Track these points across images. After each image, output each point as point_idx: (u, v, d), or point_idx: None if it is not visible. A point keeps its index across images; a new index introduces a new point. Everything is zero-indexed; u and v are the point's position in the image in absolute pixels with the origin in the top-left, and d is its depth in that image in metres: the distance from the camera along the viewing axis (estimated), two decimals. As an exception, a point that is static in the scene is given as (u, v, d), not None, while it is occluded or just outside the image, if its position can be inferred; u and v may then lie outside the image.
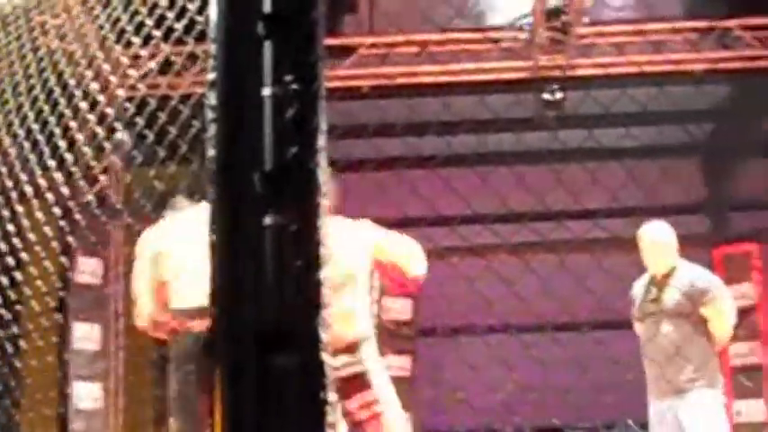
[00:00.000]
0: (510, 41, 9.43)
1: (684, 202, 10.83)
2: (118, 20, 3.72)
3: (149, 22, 3.44)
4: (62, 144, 4.66)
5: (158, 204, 4.66)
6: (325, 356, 1.43)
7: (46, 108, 4.62)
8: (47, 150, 4.70)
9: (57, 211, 5.05)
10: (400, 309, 8.70)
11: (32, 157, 4.77)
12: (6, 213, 5.01)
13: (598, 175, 8.14)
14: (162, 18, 3.34)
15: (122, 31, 3.71)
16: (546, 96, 9.37)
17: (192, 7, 3.10)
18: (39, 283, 5.42)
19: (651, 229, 6.54)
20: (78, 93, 4.43)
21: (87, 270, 8.67)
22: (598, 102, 8.82)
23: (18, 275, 5.29)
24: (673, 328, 6.25)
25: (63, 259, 6.70)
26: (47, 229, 5.09)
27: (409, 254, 4.68)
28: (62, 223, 5.28)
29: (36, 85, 4.70)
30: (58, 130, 4.61)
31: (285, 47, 1.46)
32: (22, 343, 6.01)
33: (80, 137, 4.63)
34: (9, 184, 4.94)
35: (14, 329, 5.83)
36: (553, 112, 9.44)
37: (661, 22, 9.50)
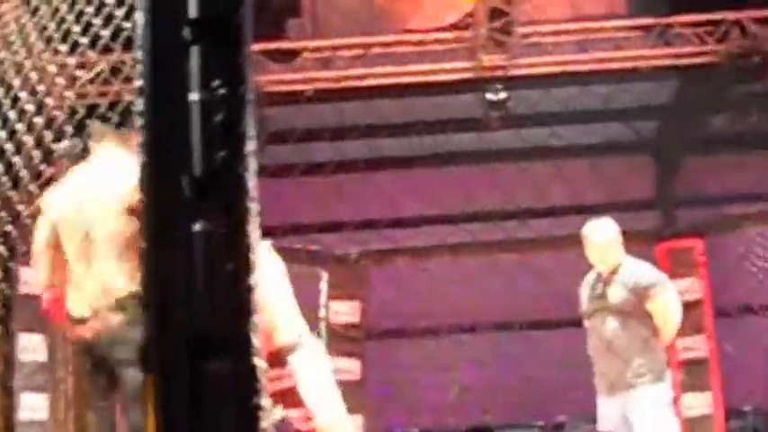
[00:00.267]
0: (453, 42, 9.44)
1: (632, 198, 10.91)
2: (45, 27, 3.70)
3: (76, 28, 3.41)
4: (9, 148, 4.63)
5: None
6: (257, 361, 1.42)
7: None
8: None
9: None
10: (347, 312, 8.70)
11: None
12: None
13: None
14: (89, 25, 3.32)
15: (50, 39, 3.68)
16: (489, 96, 9.38)
17: (119, 14, 3.08)
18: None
19: (595, 226, 6.56)
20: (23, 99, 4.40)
21: (31, 281, 8.58)
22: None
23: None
24: (619, 324, 6.28)
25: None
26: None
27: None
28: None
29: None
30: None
31: (212, 52, 1.46)
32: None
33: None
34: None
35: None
36: (497, 112, 9.45)
37: (603, 21, 9.55)
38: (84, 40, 3.39)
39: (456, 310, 9.22)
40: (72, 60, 3.76)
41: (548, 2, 8.78)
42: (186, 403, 1.38)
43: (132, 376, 3.94)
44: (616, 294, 6.36)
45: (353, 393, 8.37)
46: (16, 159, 4.65)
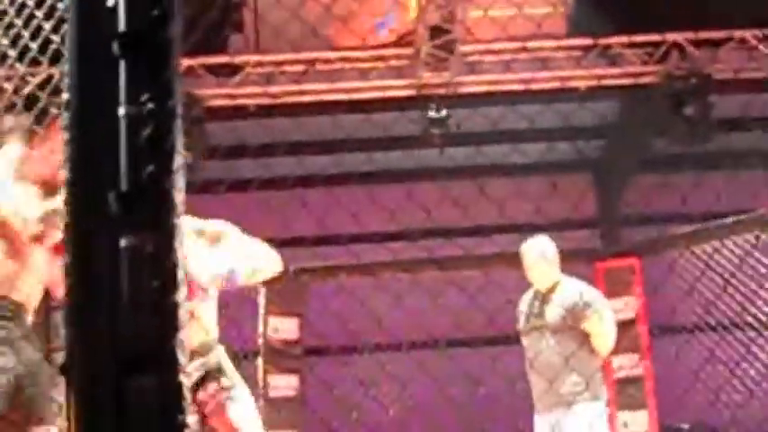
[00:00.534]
0: (394, 59, 9.48)
1: (572, 217, 10.97)
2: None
3: (4, 41, 3.39)
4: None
5: None
6: (183, 378, 1.41)
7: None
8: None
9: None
10: (286, 328, 8.67)
11: None
12: None
13: (487, 191, 8.22)
14: (18, 37, 3.30)
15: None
16: (431, 114, 9.43)
17: (47, 26, 3.06)
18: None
19: (533, 244, 6.62)
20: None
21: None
22: (486, 118, 8.91)
23: None
24: (556, 342, 6.33)
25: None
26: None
27: None
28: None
29: None
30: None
31: (140, 66, 1.45)
32: None
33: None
34: None
35: None
36: (438, 129, 9.50)
37: (546, 40, 9.62)
38: (13, 53, 3.36)
39: (404, 326, 9.21)
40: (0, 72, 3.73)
41: (486, 21, 8.81)
42: (110, 420, 1.37)
43: None
44: (553, 313, 6.41)
45: (292, 410, 8.36)
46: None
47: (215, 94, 9.25)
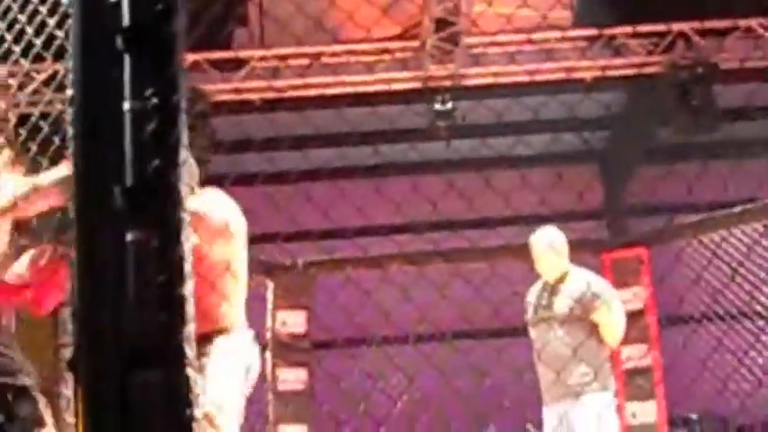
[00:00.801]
0: (400, 51, 9.48)
1: (578, 207, 10.96)
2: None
3: (8, 36, 3.39)
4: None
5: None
6: (190, 372, 1.41)
7: None
8: None
9: None
10: (294, 321, 8.68)
11: None
12: None
13: (493, 183, 8.20)
14: (22, 33, 3.30)
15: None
16: (437, 106, 9.43)
17: (51, 22, 3.05)
18: None
19: (542, 235, 6.61)
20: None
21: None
22: (491, 110, 8.89)
23: None
24: (565, 333, 6.33)
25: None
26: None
27: None
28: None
29: None
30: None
31: (144, 60, 1.45)
32: None
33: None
34: None
35: None
36: (444, 121, 9.50)
37: (550, 31, 9.61)
38: (17, 49, 3.36)
39: (412, 319, 9.20)
40: (4, 69, 3.73)
41: (491, 13, 8.80)
42: (117, 415, 1.37)
43: None
44: (561, 303, 6.40)
45: (300, 403, 8.35)
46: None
47: (220, 88, 9.25)
